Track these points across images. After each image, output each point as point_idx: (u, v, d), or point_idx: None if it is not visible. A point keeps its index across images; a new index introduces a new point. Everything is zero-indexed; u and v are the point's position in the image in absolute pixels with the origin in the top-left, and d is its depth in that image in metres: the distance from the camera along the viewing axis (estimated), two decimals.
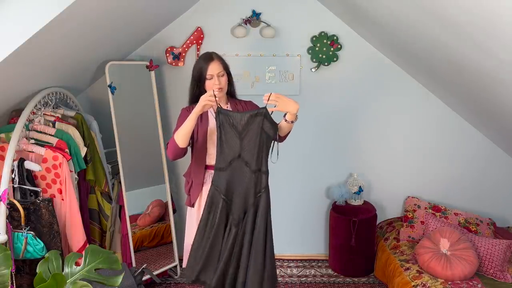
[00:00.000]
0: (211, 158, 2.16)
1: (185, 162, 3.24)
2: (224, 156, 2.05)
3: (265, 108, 2.05)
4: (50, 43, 1.97)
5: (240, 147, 2.05)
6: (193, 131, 2.16)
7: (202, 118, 2.17)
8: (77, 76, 2.80)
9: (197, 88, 2.18)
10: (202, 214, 2.11)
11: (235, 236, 2.08)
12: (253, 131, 2.04)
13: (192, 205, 2.24)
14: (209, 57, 2.14)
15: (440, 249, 2.56)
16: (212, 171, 2.16)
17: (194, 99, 2.20)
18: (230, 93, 2.28)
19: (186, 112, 2.18)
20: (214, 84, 2.11)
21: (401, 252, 2.85)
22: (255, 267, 2.07)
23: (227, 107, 2.24)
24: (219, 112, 2.04)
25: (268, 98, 2.02)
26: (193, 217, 2.25)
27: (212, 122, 2.17)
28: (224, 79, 2.15)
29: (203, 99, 1.98)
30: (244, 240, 2.08)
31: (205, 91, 2.15)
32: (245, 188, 2.07)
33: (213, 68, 2.11)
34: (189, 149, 2.26)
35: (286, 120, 2.10)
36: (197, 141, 2.18)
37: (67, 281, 1.54)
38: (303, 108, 3.19)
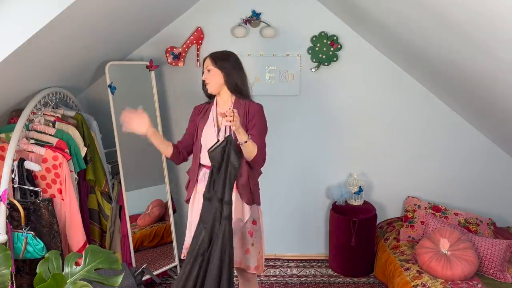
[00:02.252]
0: (205, 157, 2.17)
1: (186, 162, 3.24)
2: (211, 186, 2.00)
3: (230, 135, 1.98)
4: (50, 43, 1.97)
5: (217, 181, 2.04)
6: (195, 128, 2.24)
7: (203, 117, 2.19)
8: (77, 76, 2.80)
9: (204, 86, 2.25)
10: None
11: (200, 266, 2.01)
12: (224, 165, 1.97)
13: (187, 201, 2.27)
14: (207, 55, 2.23)
15: (440, 249, 2.56)
16: (207, 170, 2.17)
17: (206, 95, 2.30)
18: (240, 92, 2.21)
19: (195, 111, 2.27)
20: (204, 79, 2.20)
21: (401, 252, 2.85)
22: None
23: (230, 108, 2.19)
24: (227, 143, 1.98)
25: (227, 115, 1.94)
26: (189, 213, 2.28)
27: (210, 123, 2.18)
28: (210, 74, 2.15)
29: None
30: (207, 270, 2.03)
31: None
32: (212, 219, 2.01)
33: (204, 64, 2.20)
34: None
35: (240, 143, 2.02)
36: (196, 138, 2.22)
37: (67, 281, 1.54)
38: (303, 108, 3.21)
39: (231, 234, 2.00)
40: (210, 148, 1.99)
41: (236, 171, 1.98)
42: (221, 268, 2.00)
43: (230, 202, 1.98)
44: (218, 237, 1.99)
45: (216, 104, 2.23)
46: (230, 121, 1.90)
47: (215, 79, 2.16)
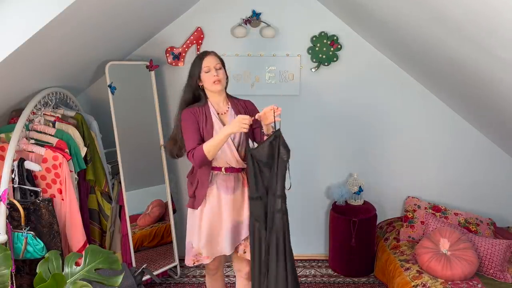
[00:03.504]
0: (216, 160, 2.15)
1: (186, 163, 3.24)
2: (259, 184, 2.05)
3: (279, 130, 2.01)
4: (50, 43, 1.97)
5: (267, 176, 2.06)
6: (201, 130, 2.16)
7: (207, 121, 2.13)
8: (77, 76, 2.80)
9: (193, 87, 2.17)
10: (254, 256, 2.12)
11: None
12: (274, 161, 2.02)
13: (196, 208, 2.19)
14: (204, 52, 2.18)
15: (440, 249, 2.56)
16: (217, 172, 2.16)
17: (188, 100, 2.20)
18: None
19: (191, 114, 2.13)
20: (212, 76, 2.11)
21: (401, 252, 2.85)
22: None
23: (228, 106, 2.22)
24: (251, 155, 2.04)
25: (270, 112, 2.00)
26: (196, 218, 2.20)
27: (217, 124, 2.14)
28: (222, 72, 2.15)
29: (240, 123, 1.94)
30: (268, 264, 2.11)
31: (202, 90, 2.16)
32: (264, 214, 2.08)
33: (210, 61, 2.13)
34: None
35: (266, 135, 2.07)
36: (203, 142, 2.14)
37: (67, 281, 1.54)
38: (303, 108, 3.21)
39: (286, 227, 2.10)
40: (253, 147, 2.05)
41: (285, 164, 2.04)
42: (283, 265, 2.11)
43: (283, 196, 2.06)
44: (272, 231, 2.06)
45: (213, 106, 2.18)
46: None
47: (224, 77, 2.17)
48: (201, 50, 3.06)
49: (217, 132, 2.11)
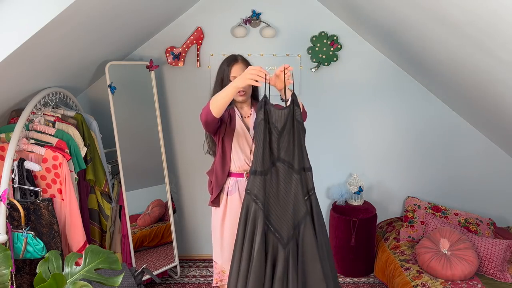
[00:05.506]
0: (235, 164, 2.08)
1: (186, 163, 3.25)
2: (266, 156, 1.81)
3: (293, 93, 1.87)
4: (50, 43, 1.97)
5: (278, 147, 1.84)
6: (219, 130, 2.05)
7: (231, 121, 2.07)
8: (77, 76, 2.80)
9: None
10: (238, 234, 1.86)
11: (287, 260, 1.79)
12: (290, 125, 1.84)
13: (216, 205, 2.13)
14: (233, 59, 2.08)
15: (440, 249, 2.56)
16: (237, 178, 2.09)
17: None
18: (255, 97, 2.23)
19: None
20: None
21: (401, 252, 2.85)
22: None
23: (251, 111, 2.17)
24: (265, 103, 1.80)
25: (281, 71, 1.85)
26: (217, 218, 2.15)
27: (239, 126, 2.07)
28: None
29: (247, 73, 1.72)
30: (300, 263, 1.81)
31: None
32: (292, 197, 1.83)
33: (236, 70, 2.04)
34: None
35: (287, 100, 1.93)
36: (223, 143, 2.08)
37: (67, 281, 1.54)
38: None
39: (319, 205, 1.89)
40: (268, 102, 1.86)
41: (304, 131, 1.86)
42: (330, 259, 1.88)
43: (311, 168, 1.87)
44: (308, 213, 1.83)
45: (238, 109, 2.14)
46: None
47: (249, 88, 2.09)
48: (201, 50, 3.06)
49: (239, 132, 2.07)
